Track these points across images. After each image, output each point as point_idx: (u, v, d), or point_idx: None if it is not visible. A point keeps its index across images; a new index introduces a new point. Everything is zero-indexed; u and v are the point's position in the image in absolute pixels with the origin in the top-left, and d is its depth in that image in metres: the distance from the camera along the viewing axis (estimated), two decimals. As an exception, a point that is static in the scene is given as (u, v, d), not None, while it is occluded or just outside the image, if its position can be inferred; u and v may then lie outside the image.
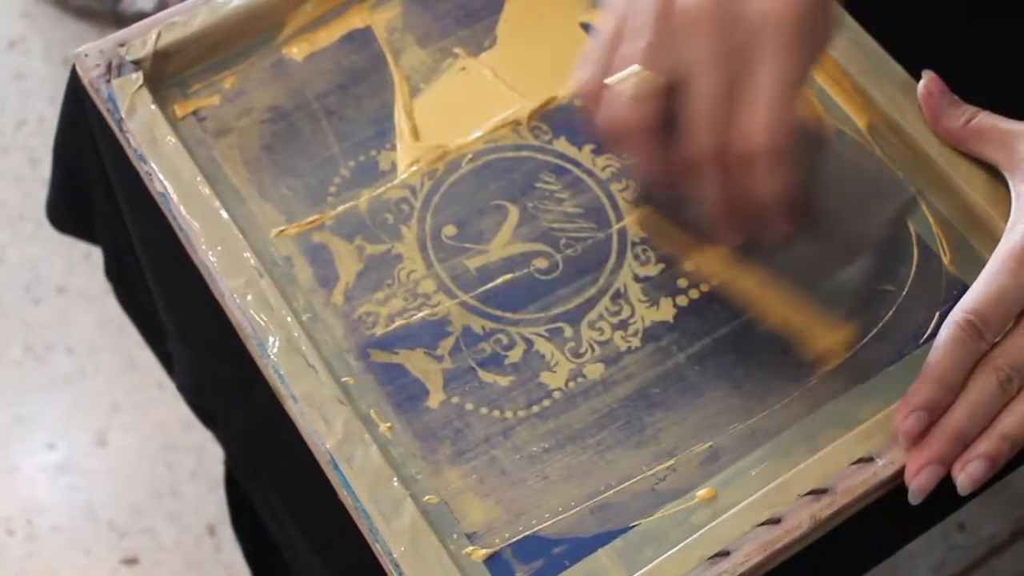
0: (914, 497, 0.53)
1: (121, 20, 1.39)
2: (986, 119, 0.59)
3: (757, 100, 0.50)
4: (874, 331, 0.58)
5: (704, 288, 0.59)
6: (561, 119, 0.64)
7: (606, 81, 0.52)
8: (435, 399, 0.57)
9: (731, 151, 0.51)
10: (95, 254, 0.79)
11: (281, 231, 0.60)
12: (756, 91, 0.50)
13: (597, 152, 0.63)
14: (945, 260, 0.60)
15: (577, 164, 0.62)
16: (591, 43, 0.54)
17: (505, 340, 0.58)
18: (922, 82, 0.61)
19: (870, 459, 0.53)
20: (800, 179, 0.52)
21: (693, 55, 0.51)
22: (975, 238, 0.60)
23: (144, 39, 0.63)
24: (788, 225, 0.53)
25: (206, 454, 1.19)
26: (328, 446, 0.54)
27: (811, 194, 0.54)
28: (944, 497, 0.53)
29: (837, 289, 0.57)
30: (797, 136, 0.51)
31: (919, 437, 0.52)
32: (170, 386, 0.74)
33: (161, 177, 0.60)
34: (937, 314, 0.58)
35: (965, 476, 0.52)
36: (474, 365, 0.57)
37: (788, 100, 0.50)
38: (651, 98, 0.51)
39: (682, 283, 0.59)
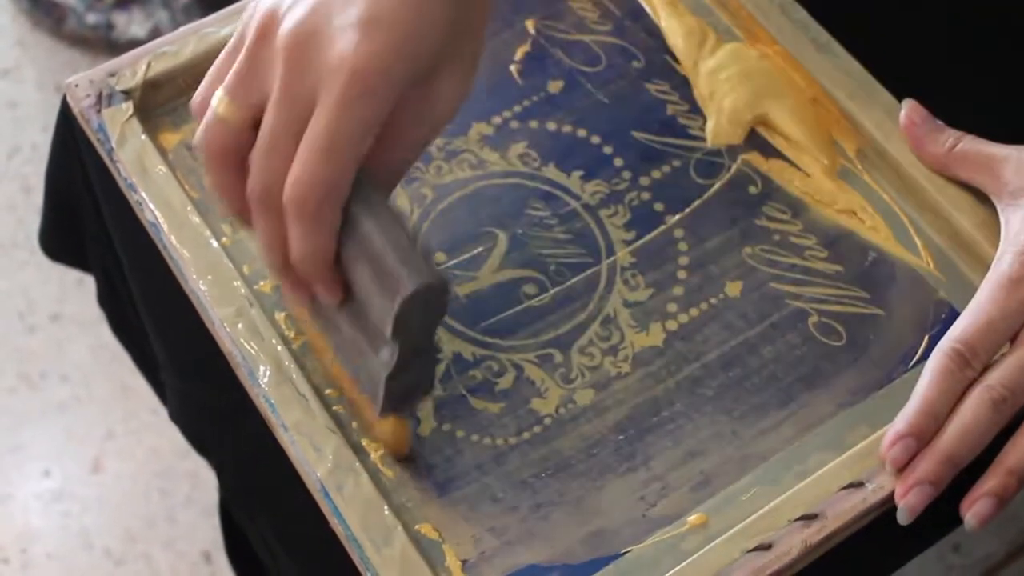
0: (903, 516, 0.52)
1: (115, 47, 1.40)
2: (970, 144, 0.59)
3: (300, 149, 0.47)
4: (863, 354, 0.58)
5: (694, 312, 0.59)
6: (549, 146, 0.64)
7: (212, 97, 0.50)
8: (426, 426, 0.57)
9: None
10: (88, 281, 0.79)
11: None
12: (305, 140, 0.47)
13: (586, 179, 0.63)
14: (934, 284, 0.60)
15: (566, 190, 0.63)
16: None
17: (495, 367, 0.58)
18: (903, 111, 0.61)
19: (860, 484, 0.53)
20: (342, 244, 0.50)
21: (269, 89, 0.48)
22: (964, 262, 0.60)
23: (134, 69, 0.63)
24: (327, 289, 0.51)
25: (201, 480, 1.19)
26: (319, 475, 0.54)
27: (350, 265, 0.51)
28: (936, 519, 0.53)
29: (370, 378, 0.53)
30: (348, 195, 0.49)
31: (906, 465, 0.52)
32: (164, 413, 0.74)
33: (152, 206, 0.60)
34: (926, 338, 0.59)
35: (973, 515, 0.52)
36: (465, 392, 0.57)
37: (331, 154, 0.47)
38: (234, 124, 0.49)
39: (671, 308, 0.60)
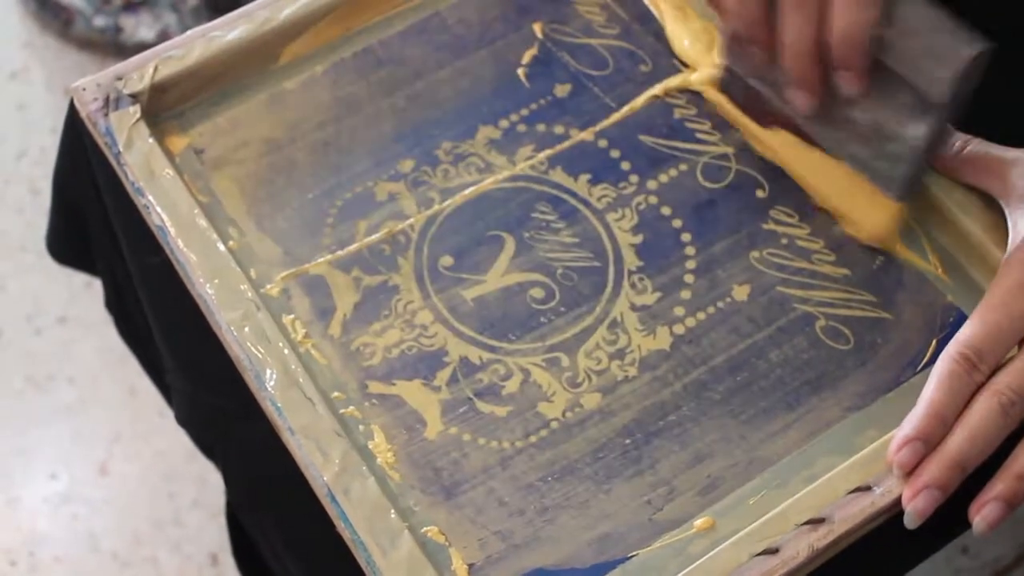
0: (910, 520, 0.52)
1: (123, 50, 1.40)
2: (979, 147, 0.59)
3: None
4: (871, 358, 0.58)
5: (701, 316, 0.59)
6: (556, 149, 0.64)
7: None
8: (433, 430, 0.57)
9: None
10: (96, 284, 0.80)
11: (287, 275, 0.60)
12: None
13: (593, 182, 0.63)
14: (942, 287, 0.60)
15: (573, 194, 0.63)
16: None
17: (502, 370, 0.58)
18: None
19: (868, 488, 0.53)
20: (873, 24, 0.53)
21: None
22: (972, 265, 0.60)
23: (141, 72, 0.63)
24: (859, 75, 0.54)
25: (208, 483, 1.19)
26: (326, 478, 0.54)
27: (880, 45, 0.54)
28: (944, 523, 0.53)
29: (889, 161, 0.57)
30: None
31: (913, 469, 0.52)
32: (171, 415, 0.74)
33: (159, 210, 0.60)
34: (934, 341, 0.58)
35: (981, 519, 0.52)
36: (471, 395, 0.57)
37: None
38: None
39: (679, 312, 0.59)
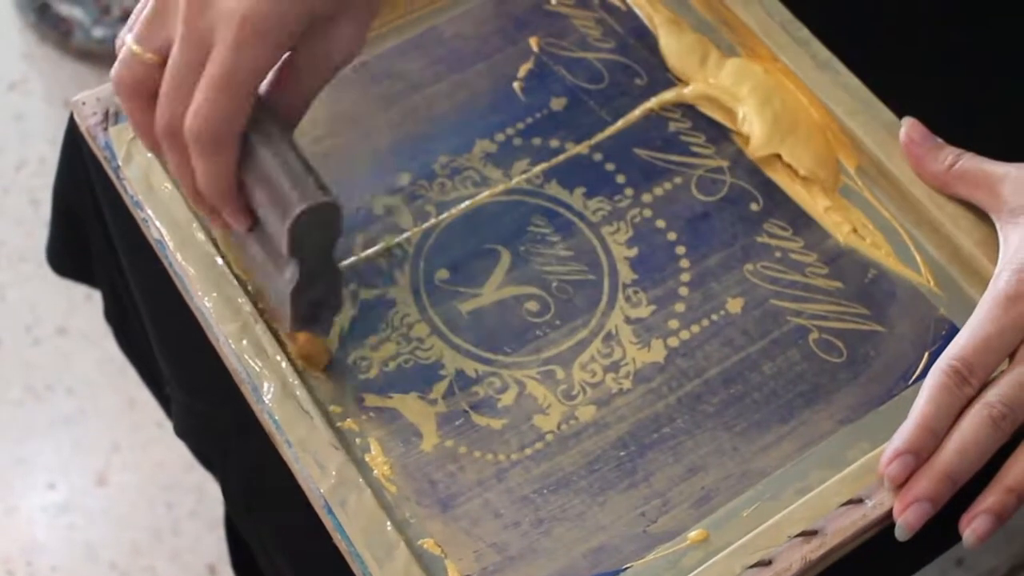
0: (901, 533, 0.53)
1: (121, 61, 1.40)
2: (970, 162, 0.60)
3: (199, 86, 0.52)
4: (863, 371, 0.59)
5: (695, 329, 0.60)
6: (552, 163, 0.64)
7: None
8: (429, 442, 0.57)
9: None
10: (96, 295, 0.80)
11: None
12: (203, 78, 0.52)
13: (588, 196, 0.63)
14: (934, 301, 0.60)
15: (568, 207, 0.63)
16: None
17: (498, 383, 0.58)
18: (903, 129, 0.61)
19: (860, 500, 0.54)
20: (244, 173, 0.54)
21: (174, 33, 0.53)
22: (964, 279, 0.61)
23: (140, 87, 0.64)
24: (233, 216, 0.55)
25: (206, 493, 1.19)
26: (322, 490, 0.54)
27: (253, 193, 0.55)
28: (935, 535, 0.54)
29: (278, 297, 0.57)
30: (243, 129, 0.53)
31: (904, 481, 0.53)
32: (170, 426, 0.74)
33: (157, 224, 0.61)
34: (926, 354, 0.59)
35: (971, 532, 0.52)
36: (467, 408, 0.58)
37: (226, 91, 0.52)
38: (143, 62, 0.54)
39: (673, 324, 0.60)
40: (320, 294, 0.57)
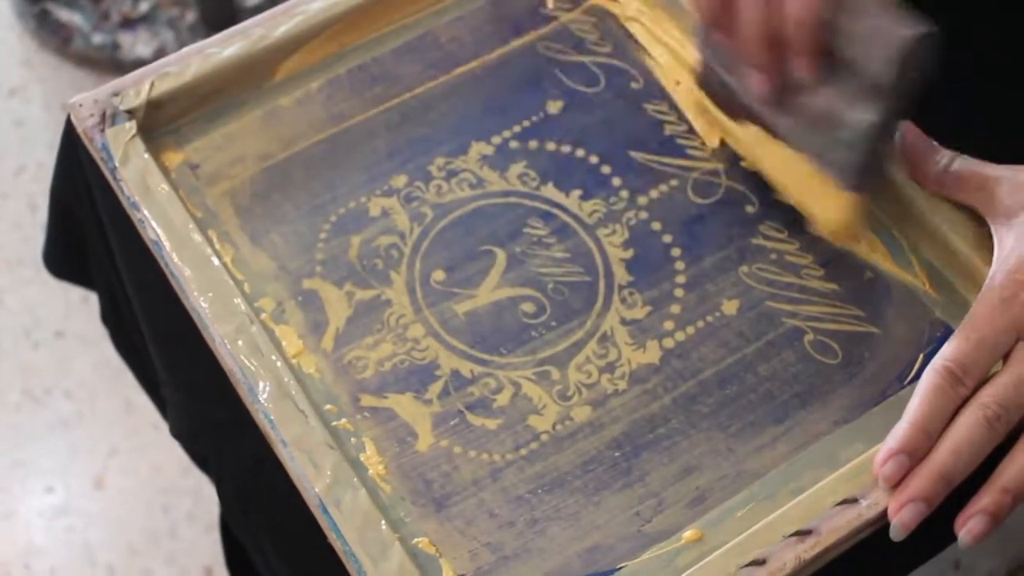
0: (896, 533, 0.53)
1: (120, 67, 1.41)
2: (965, 164, 0.60)
3: None
4: (858, 372, 0.59)
5: (691, 330, 0.60)
6: (548, 165, 0.64)
7: None
8: (424, 442, 0.57)
9: None
10: (93, 298, 0.80)
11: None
12: None
13: (584, 198, 0.64)
14: (929, 303, 0.60)
15: (564, 209, 0.63)
16: None
17: (493, 383, 0.59)
18: (898, 132, 0.62)
19: (854, 500, 0.54)
20: (824, 7, 0.54)
21: None
22: (959, 281, 0.61)
23: (138, 89, 0.64)
24: (812, 60, 0.55)
25: (203, 496, 1.19)
26: (317, 490, 0.54)
27: (830, 29, 0.55)
28: (930, 535, 0.54)
29: (841, 148, 0.57)
30: None
31: (899, 482, 0.53)
32: (167, 429, 0.74)
33: (154, 225, 0.61)
34: (921, 356, 0.59)
35: (967, 532, 0.52)
36: (463, 408, 0.58)
37: None
38: None
39: (668, 326, 0.60)
40: (884, 148, 0.58)
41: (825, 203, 0.60)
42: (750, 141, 0.63)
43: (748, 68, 0.59)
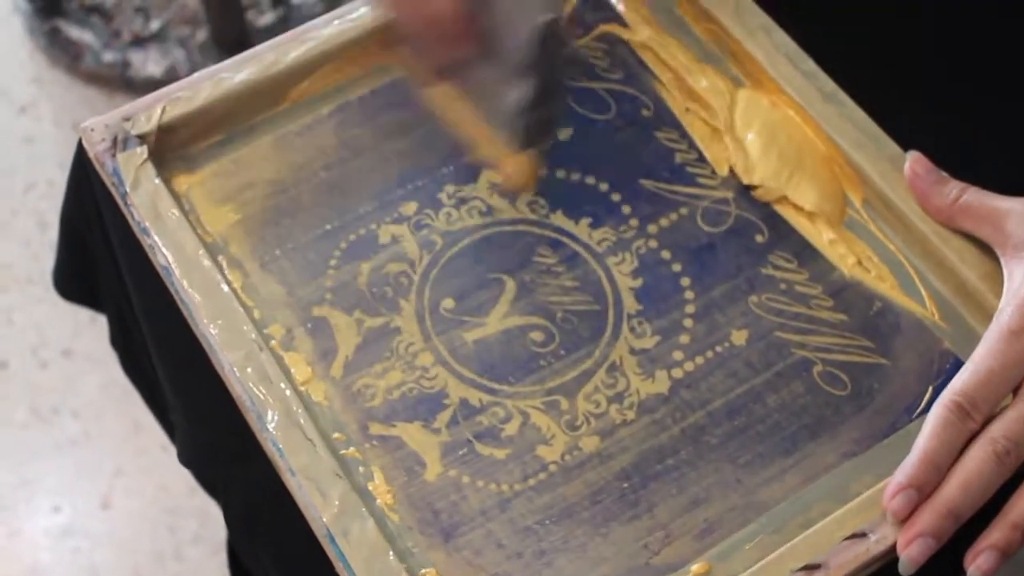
0: (905, 568, 0.53)
1: (131, 85, 1.41)
2: (974, 196, 0.60)
3: None
4: (867, 404, 0.59)
5: (700, 361, 0.60)
6: (558, 193, 0.64)
7: None
8: (432, 472, 0.57)
9: None
10: (102, 318, 0.80)
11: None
12: None
13: (594, 226, 0.64)
14: (939, 334, 0.60)
15: (574, 238, 0.63)
16: None
17: (502, 413, 0.59)
18: (908, 163, 0.62)
19: (863, 534, 0.54)
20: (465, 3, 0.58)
21: None
22: (969, 313, 0.61)
23: (149, 113, 0.64)
24: (463, 46, 0.59)
25: (209, 518, 1.19)
26: (325, 519, 0.54)
27: (479, 13, 0.59)
28: (939, 570, 0.54)
29: (508, 112, 0.60)
30: None
31: (908, 516, 0.52)
32: (174, 450, 0.74)
33: (164, 250, 0.61)
34: (930, 388, 0.59)
35: (976, 568, 0.52)
36: (471, 438, 0.58)
37: None
38: None
39: (677, 356, 0.60)
40: (546, 112, 0.61)
41: (506, 159, 0.63)
42: (441, 97, 0.65)
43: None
